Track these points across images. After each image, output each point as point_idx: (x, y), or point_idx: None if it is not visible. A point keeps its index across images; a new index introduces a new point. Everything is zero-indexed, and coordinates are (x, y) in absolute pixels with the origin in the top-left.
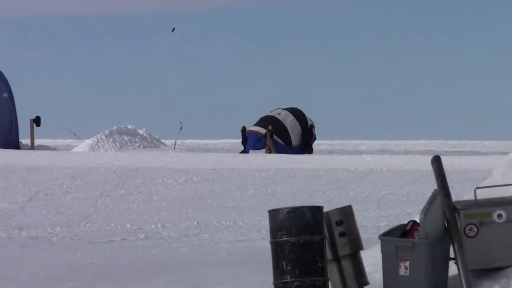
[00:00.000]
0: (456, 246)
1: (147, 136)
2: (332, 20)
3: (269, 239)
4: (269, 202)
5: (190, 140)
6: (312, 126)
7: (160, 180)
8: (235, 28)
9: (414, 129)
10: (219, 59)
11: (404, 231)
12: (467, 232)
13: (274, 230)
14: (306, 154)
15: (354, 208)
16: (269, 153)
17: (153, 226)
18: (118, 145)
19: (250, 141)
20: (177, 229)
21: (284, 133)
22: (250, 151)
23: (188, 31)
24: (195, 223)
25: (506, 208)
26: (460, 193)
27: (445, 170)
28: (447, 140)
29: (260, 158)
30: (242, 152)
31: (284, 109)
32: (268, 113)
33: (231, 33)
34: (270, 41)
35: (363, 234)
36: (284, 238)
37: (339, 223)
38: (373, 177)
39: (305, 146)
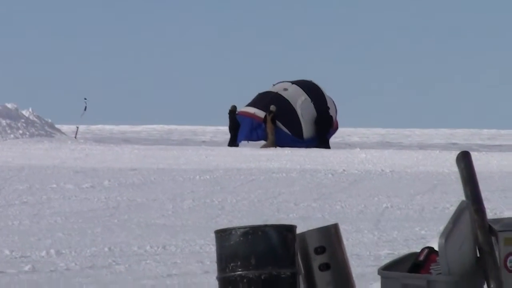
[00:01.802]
0: (492, 286)
1: (35, 119)
2: None
3: (215, 274)
4: (216, 218)
5: (99, 126)
6: (329, 108)
7: (54, 185)
8: None
9: (432, 114)
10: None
11: (416, 263)
12: (509, 264)
13: (224, 260)
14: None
15: (342, 228)
16: (266, 146)
17: (43, 253)
18: None
19: (243, 128)
20: (79, 258)
21: (292, 118)
22: (242, 142)
23: None
24: (106, 249)
25: None
26: (499, 206)
27: (477, 173)
28: (480, 129)
29: (209, 154)
30: (231, 144)
31: (292, 82)
32: (269, 89)
33: None
34: None
35: (356, 267)
36: (239, 272)
37: (319, 250)
38: (370, 183)
39: (321, 138)
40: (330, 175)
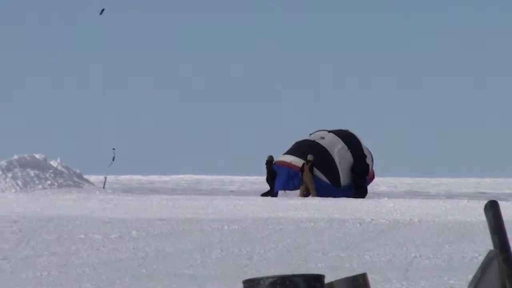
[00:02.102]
0: None
1: (64, 170)
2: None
3: None
4: (244, 268)
5: (128, 176)
6: (366, 156)
7: (82, 236)
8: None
9: (460, 162)
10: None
11: None
12: None
13: None
14: (358, 198)
15: (370, 277)
16: (305, 195)
17: None
18: (20, 182)
19: (280, 178)
20: None
21: (330, 166)
22: (280, 192)
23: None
24: None
25: None
26: None
27: (505, 222)
28: (508, 178)
29: (241, 204)
30: (267, 194)
31: (329, 131)
32: (306, 137)
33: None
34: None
35: None
36: None
37: None
38: (398, 232)
39: (359, 186)
40: (358, 225)
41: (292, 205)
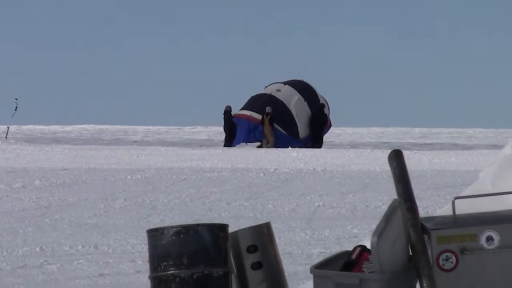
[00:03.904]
0: (425, 284)
1: None
2: None
3: (147, 273)
4: (148, 217)
5: (30, 126)
6: (323, 106)
7: None
8: None
9: (363, 112)
10: None
11: (349, 262)
12: (441, 263)
13: (156, 260)
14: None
15: (274, 226)
16: (263, 146)
17: None
18: None
19: (241, 131)
20: (10, 258)
21: (287, 118)
22: (241, 144)
23: None
24: (37, 248)
25: (500, 228)
26: (431, 205)
27: (409, 172)
28: (412, 127)
29: (157, 153)
30: (227, 145)
31: (284, 83)
32: (261, 91)
33: None
34: None
35: (288, 266)
36: (171, 271)
37: (252, 249)
38: (301, 182)
39: (316, 136)
40: (261, 174)
41: (196, 154)
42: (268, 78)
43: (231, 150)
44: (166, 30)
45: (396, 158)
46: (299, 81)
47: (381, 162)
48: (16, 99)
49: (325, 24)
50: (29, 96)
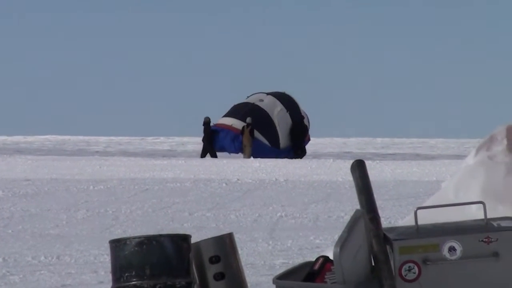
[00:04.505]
0: None
1: None
2: None
3: (110, 284)
4: (110, 228)
5: None
6: (303, 118)
7: None
8: None
9: (325, 122)
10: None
11: (311, 272)
12: (404, 273)
13: (119, 270)
14: (296, 159)
15: (237, 237)
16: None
17: None
18: None
19: (221, 139)
20: None
21: (269, 128)
22: (223, 152)
23: None
24: (0, 259)
25: (462, 239)
26: (394, 215)
27: (371, 182)
28: (374, 137)
29: (101, 164)
30: (205, 154)
31: (267, 93)
32: (244, 100)
33: None
34: None
35: (251, 276)
36: (133, 282)
37: (214, 259)
38: (264, 192)
39: (297, 147)
40: (224, 185)
41: (158, 165)
42: (231, 89)
43: (193, 161)
44: (129, 41)
45: (359, 168)
46: (281, 92)
47: (343, 172)
48: None
49: (288, 36)
50: None
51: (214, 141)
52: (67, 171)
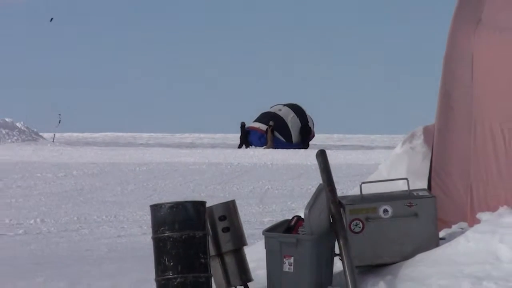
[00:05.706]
0: (341, 242)
1: (25, 129)
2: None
3: (150, 235)
4: (150, 196)
5: (69, 133)
6: (308, 121)
7: (39, 174)
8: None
9: None
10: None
11: (289, 227)
12: (352, 227)
13: (156, 225)
14: (303, 149)
15: (237, 203)
16: (268, 147)
17: (32, 221)
18: None
19: (253, 138)
20: (56, 224)
21: (285, 129)
22: (254, 146)
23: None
24: (75, 218)
25: (392, 204)
26: (345, 188)
27: (330, 165)
28: (332, 134)
29: (140, 152)
30: (241, 146)
31: (284, 105)
32: (268, 109)
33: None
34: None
35: (247, 230)
36: (166, 234)
37: (222, 218)
38: (256, 172)
39: (303, 142)
40: (229, 167)
41: (183, 153)
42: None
43: (208, 150)
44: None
45: (321, 156)
46: (293, 104)
47: (311, 158)
48: (60, 114)
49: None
50: (68, 111)
51: (247, 138)
52: (121, 158)
